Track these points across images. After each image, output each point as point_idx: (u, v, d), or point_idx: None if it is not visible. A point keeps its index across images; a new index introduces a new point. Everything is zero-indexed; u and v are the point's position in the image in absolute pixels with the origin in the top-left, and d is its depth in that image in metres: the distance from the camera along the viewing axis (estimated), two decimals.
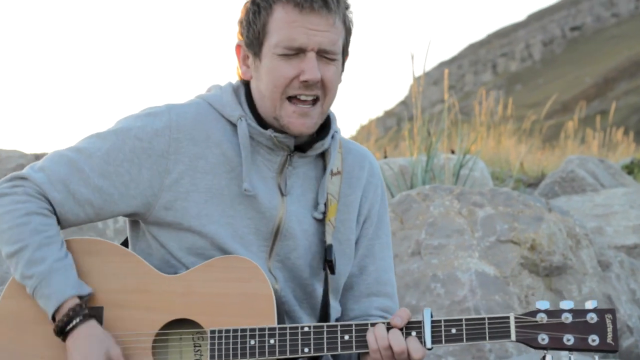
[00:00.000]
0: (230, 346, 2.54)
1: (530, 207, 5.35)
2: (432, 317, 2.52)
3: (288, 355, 2.53)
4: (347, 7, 2.68)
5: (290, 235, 2.71)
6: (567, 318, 2.47)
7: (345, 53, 2.73)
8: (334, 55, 2.64)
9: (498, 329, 2.49)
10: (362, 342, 2.53)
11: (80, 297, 2.57)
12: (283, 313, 2.62)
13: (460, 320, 2.50)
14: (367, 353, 2.55)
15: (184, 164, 2.65)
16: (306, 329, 2.54)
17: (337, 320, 2.82)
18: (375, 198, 2.88)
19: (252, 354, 2.53)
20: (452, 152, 8.87)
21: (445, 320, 2.51)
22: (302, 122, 2.64)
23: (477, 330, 2.49)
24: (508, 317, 2.49)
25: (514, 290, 5.01)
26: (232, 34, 2.78)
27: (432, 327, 2.51)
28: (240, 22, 2.71)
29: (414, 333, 2.52)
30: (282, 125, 2.64)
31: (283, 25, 2.60)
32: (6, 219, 2.59)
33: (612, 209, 7.40)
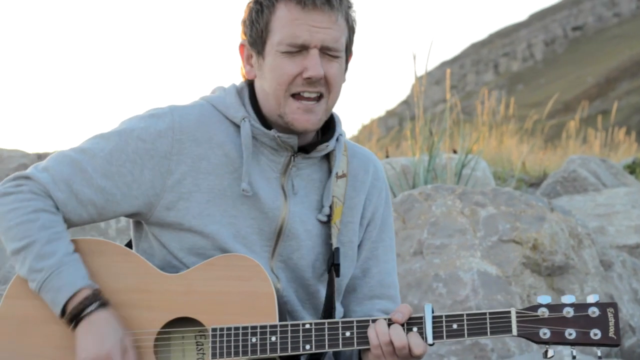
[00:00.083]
0: (232, 344, 2.54)
1: (532, 207, 5.35)
2: (433, 312, 2.52)
3: (289, 353, 2.53)
4: (349, 5, 2.68)
5: (293, 235, 2.71)
6: (568, 312, 2.46)
7: (348, 52, 2.73)
8: (337, 53, 2.64)
9: (499, 324, 2.48)
10: (364, 339, 2.53)
11: (92, 289, 2.58)
12: (285, 312, 2.62)
13: (462, 315, 2.50)
14: (369, 349, 2.55)
15: (187, 164, 2.66)
16: (307, 326, 2.54)
17: None
18: (380, 201, 2.88)
19: (254, 352, 2.53)
20: (454, 151, 8.87)
21: (447, 316, 2.51)
22: (306, 118, 2.64)
23: (479, 325, 2.49)
24: (509, 312, 2.48)
25: (516, 289, 5.02)
26: (237, 35, 2.79)
27: (433, 322, 2.51)
28: (244, 22, 2.72)
29: (415, 329, 2.52)
30: (286, 122, 2.65)
31: (286, 23, 2.60)
32: (12, 216, 2.60)
33: (614, 209, 7.40)
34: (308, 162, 2.75)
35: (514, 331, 2.47)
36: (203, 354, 2.63)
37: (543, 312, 2.47)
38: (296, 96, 2.63)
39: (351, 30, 2.71)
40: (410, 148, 8.37)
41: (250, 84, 2.77)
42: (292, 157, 2.71)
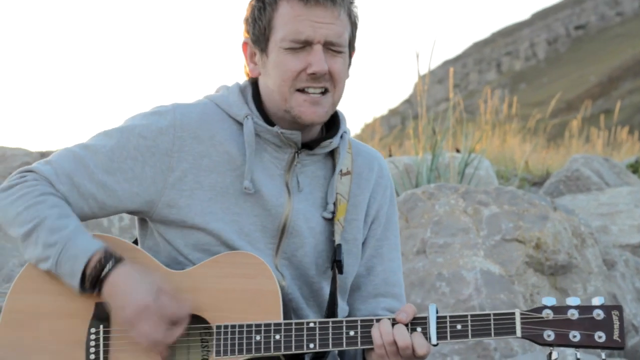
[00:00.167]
0: (236, 341, 2.54)
1: (535, 206, 5.35)
2: (437, 312, 2.52)
3: (293, 351, 2.53)
4: (351, 1, 2.69)
5: (296, 232, 2.71)
6: (573, 314, 2.45)
7: (351, 47, 2.74)
8: (340, 48, 2.65)
9: (503, 325, 2.47)
10: (367, 338, 2.53)
11: (106, 250, 2.58)
12: (289, 309, 2.62)
13: (466, 316, 2.50)
14: (372, 349, 2.55)
15: (188, 162, 2.67)
16: (311, 324, 2.54)
17: None
18: (384, 199, 2.88)
19: (258, 350, 2.53)
20: (457, 150, 8.87)
21: (451, 316, 2.51)
22: (313, 110, 2.64)
23: (483, 326, 2.48)
24: (513, 313, 2.47)
25: (519, 289, 5.02)
26: (240, 34, 2.79)
27: (438, 323, 2.50)
28: (246, 20, 2.73)
29: (419, 329, 2.51)
30: (293, 115, 2.65)
31: (289, 19, 2.61)
32: (20, 202, 2.62)
33: (617, 208, 7.39)
34: (312, 159, 2.76)
35: (518, 332, 2.46)
36: (208, 351, 2.64)
37: (547, 314, 2.46)
38: (301, 91, 2.64)
39: (354, 26, 2.72)
40: (413, 147, 8.37)
41: (253, 83, 2.77)
42: (296, 154, 2.72)
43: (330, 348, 2.53)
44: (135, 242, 2.86)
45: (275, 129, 2.67)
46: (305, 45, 2.61)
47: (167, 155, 2.66)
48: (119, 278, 2.54)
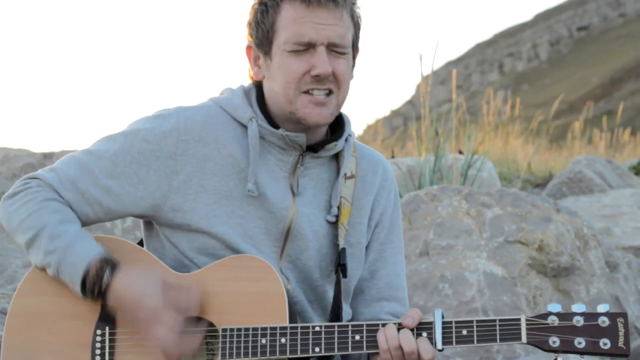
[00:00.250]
0: (242, 345, 2.55)
1: (538, 208, 5.35)
2: (443, 318, 2.52)
3: (299, 355, 2.53)
4: (354, 2, 2.70)
5: (300, 235, 2.72)
6: (578, 321, 2.45)
7: (355, 48, 2.74)
8: (344, 49, 2.65)
9: (509, 331, 2.48)
10: (373, 342, 2.53)
11: (101, 256, 2.57)
12: (295, 313, 2.62)
13: (471, 321, 2.50)
14: (378, 353, 2.55)
15: (192, 165, 2.67)
16: (317, 328, 2.54)
17: None
18: (388, 203, 2.88)
19: (263, 353, 2.53)
20: (460, 152, 8.86)
21: (457, 322, 2.51)
22: (318, 111, 2.64)
23: (488, 331, 2.48)
24: (519, 319, 2.48)
25: (521, 290, 5.01)
26: (243, 38, 2.80)
27: (443, 328, 2.51)
28: (249, 24, 2.73)
29: (424, 334, 2.52)
30: (299, 117, 2.64)
31: (291, 21, 2.61)
32: (23, 209, 2.63)
33: (620, 210, 7.39)
34: (317, 161, 2.76)
35: (524, 339, 2.47)
36: (213, 354, 2.64)
37: (553, 320, 2.47)
38: (306, 93, 2.64)
39: (357, 27, 2.72)
40: (416, 148, 8.37)
41: (258, 85, 2.77)
42: (301, 157, 2.72)
43: (336, 352, 2.53)
44: (140, 243, 2.86)
45: (280, 131, 2.67)
46: (309, 47, 2.61)
47: (171, 159, 2.66)
48: (122, 286, 2.54)
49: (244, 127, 2.71)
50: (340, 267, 2.72)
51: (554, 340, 2.46)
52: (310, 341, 2.53)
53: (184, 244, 2.68)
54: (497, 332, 2.48)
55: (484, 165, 8.22)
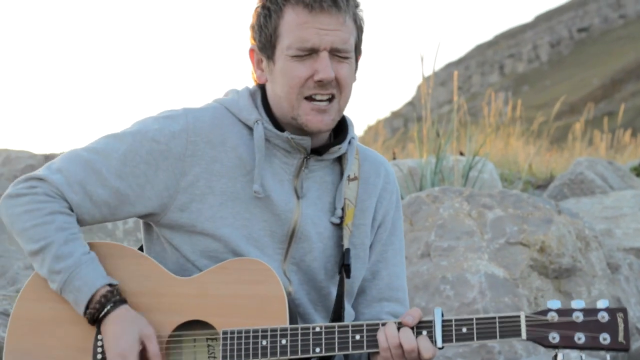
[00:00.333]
0: (243, 346, 2.55)
1: (539, 209, 5.35)
2: (443, 316, 2.52)
3: (300, 355, 2.54)
4: (356, 5, 2.70)
5: (305, 237, 2.72)
6: (578, 317, 2.46)
7: (358, 51, 2.75)
8: (347, 54, 2.66)
9: (509, 328, 2.48)
10: (373, 342, 2.54)
11: (111, 286, 2.60)
12: (295, 315, 2.63)
13: (471, 319, 2.51)
14: (378, 352, 2.55)
15: (200, 166, 2.67)
16: (317, 329, 2.55)
17: None
18: (390, 204, 2.90)
19: (264, 354, 2.54)
20: (461, 153, 8.86)
21: (456, 320, 2.52)
22: (320, 119, 2.65)
23: (488, 329, 2.49)
24: (519, 316, 2.49)
25: (523, 292, 5.01)
26: (246, 39, 2.80)
27: (443, 326, 2.51)
28: (252, 27, 2.73)
29: (424, 332, 2.53)
30: (300, 123, 2.66)
31: (294, 27, 2.62)
32: (28, 217, 2.62)
33: (621, 211, 7.38)
34: (321, 164, 2.77)
35: (524, 335, 2.47)
36: (214, 357, 2.64)
37: (552, 317, 2.48)
38: (308, 99, 2.65)
39: (359, 30, 2.72)
40: (417, 149, 8.36)
41: (262, 87, 2.78)
42: (305, 159, 2.73)
43: (336, 352, 2.54)
44: (141, 248, 2.87)
45: (286, 134, 2.68)
46: (312, 52, 2.62)
47: (179, 160, 2.67)
48: (111, 322, 2.57)
49: (250, 129, 2.72)
50: (344, 267, 2.73)
51: (554, 336, 2.46)
52: (311, 342, 2.53)
53: (186, 246, 2.68)
54: (497, 329, 2.48)
55: (485, 166, 8.22)
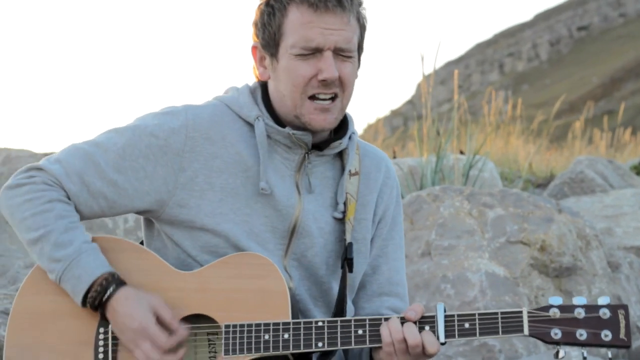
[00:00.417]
0: (245, 340, 2.56)
1: (540, 208, 5.35)
2: (445, 311, 2.53)
3: (302, 350, 2.55)
4: (360, 4, 2.70)
5: (306, 233, 2.73)
6: (579, 313, 2.47)
7: (360, 49, 2.75)
8: (350, 53, 2.67)
9: (511, 324, 2.49)
10: (376, 337, 2.55)
11: (108, 274, 2.60)
12: (297, 310, 2.63)
13: (474, 314, 2.51)
14: (380, 347, 2.56)
15: (200, 162, 2.68)
16: (320, 323, 2.55)
17: None
18: (391, 199, 2.90)
19: (266, 349, 2.54)
20: (461, 152, 8.86)
21: (459, 315, 2.52)
22: (323, 117, 2.66)
23: (490, 324, 2.50)
24: (521, 312, 2.49)
25: (523, 291, 5.02)
26: (248, 36, 2.79)
27: (446, 321, 2.52)
28: (255, 24, 2.73)
29: (427, 327, 2.53)
30: (303, 122, 2.67)
31: (299, 26, 2.62)
32: (28, 206, 2.63)
33: (622, 210, 7.39)
34: (321, 159, 2.77)
35: (526, 331, 2.48)
36: (215, 352, 2.65)
37: (554, 313, 2.49)
38: (312, 98, 2.65)
39: (362, 29, 2.73)
40: (417, 148, 8.37)
41: (263, 84, 2.79)
42: (306, 155, 2.73)
43: (339, 347, 2.54)
44: (141, 244, 2.87)
45: (287, 130, 2.68)
46: (316, 51, 2.62)
47: (178, 155, 2.67)
48: (118, 302, 2.56)
49: (250, 125, 2.73)
50: (347, 261, 2.73)
51: (556, 332, 2.47)
52: (313, 336, 2.54)
53: (187, 242, 2.69)
54: (499, 324, 2.49)
55: (486, 165, 8.23)
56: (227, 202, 2.68)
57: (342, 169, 2.81)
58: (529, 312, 2.49)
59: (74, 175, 2.66)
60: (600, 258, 5.40)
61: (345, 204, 2.77)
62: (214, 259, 2.66)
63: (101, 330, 2.62)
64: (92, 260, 2.59)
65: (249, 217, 2.68)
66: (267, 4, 2.68)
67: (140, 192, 2.67)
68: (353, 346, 2.55)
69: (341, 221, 2.78)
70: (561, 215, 5.38)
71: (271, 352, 2.54)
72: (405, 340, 2.51)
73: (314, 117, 2.66)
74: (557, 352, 2.49)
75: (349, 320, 2.56)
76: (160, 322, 2.56)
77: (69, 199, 2.67)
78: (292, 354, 2.57)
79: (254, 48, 2.76)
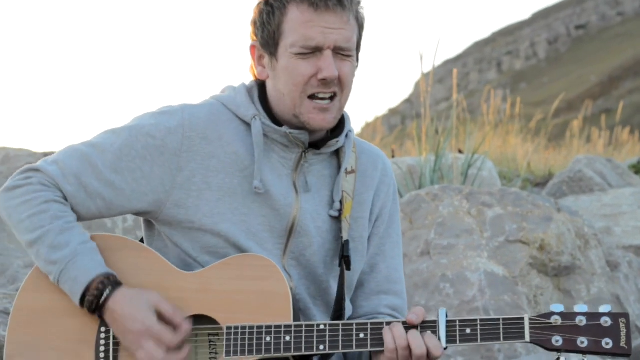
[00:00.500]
0: (246, 342, 2.55)
1: (539, 207, 5.36)
2: (447, 317, 2.53)
3: (303, 352, 2.54)
4: (358, 3, 2.71)
5: (304, 232, 2.73)
6: (581, 321, 2.48)
7: (358, 48, 2.76)
8: (350, 52, 2.67)
9: (512, 330, 2.49)
10: (377, 341, 2.54)
11: (105, 275, 2.60)
12: (297, 310, 2.63)
13: (475, 320, 2.51)
14: (381, 352, 2.55)
15: (196, 162, 2.67)
16: (322, 326, 2.55)
17: (348, 318, 2.84)
18: (388, 197, 2.91)
19: (268, 351, 2.54)
20: (460, 151, 8.86)
21: (460, 321, 2.52)
22: (322, 117, 2.66)
23: (492, 331, 2.50)
24: (522, 319, 2.50)
25: (522, 290, 5.02)
26: (245, 34, 2.80)
27: (447, 327, 2.52)
28: (254, 23, 2.73)
29: (429, 332, 2.53)
30: (302, 121, 2.67)
31: (299, 25, 2.62)
32: (24, 208, 2.63)
33: (621, 209, 7.40)
34: (318, 158, 2.78)
35: (527, 337, 2.48)
36: (216, 353, 2.65)
37: (556, 320, 2.49)
38: (311, 97, 2.66)
39: (361, 28, 2.73)
40: (416, 147, 8.37)
41: (260, 84, 2.78)
42: (303, 154, 2.73)
43: (340, 350, 2.54)
44: (141, 241, 2.87)
45: (284, 129, 2.68)
46: (315, 51, 2.62)
47: (175, 155, 2.67)
48: (116, 305, 2.55)
49: (247, 124, 2.73)
50: (344, 259, 2.73)
51: (557, 340, 2.48)
52: (315, 339, 2.54)
53: (187, 243, 2.69)
54: (501, 331, 2.49)
55: (485, 164, 8.23)
56: (225, 202, 2.68)
57: (339, 167, 2.81)
58: (530, 319, 2.49)
59: (71, 176, 2.65)
60: (599, 257, 5.40)
61: (341, 202, 2.77)
62: (215, 260, 2.65)
63: (103, 329, 2.62)
64: (88, 262, 2.58)
65: (247, 216, 2.68)
66: (267, 3, 2.68)
67: (137, 192, 2.67)
68: (354, 350, 2.55)
69: (338, 219, 2.78)
70: (560, 214, 5.39)
71: (272, 354, 2.54)
72: (409, 347, 2.51)
73: (313, 116, 2.66)
74: (558, 359, 2.49)
75: (351, 324, 2.56)
76: (162, 318, 2.56)
77: (66, 199, 2.67)
78: (294, 356, 2.57)
79: (253, 47, 2.75)
